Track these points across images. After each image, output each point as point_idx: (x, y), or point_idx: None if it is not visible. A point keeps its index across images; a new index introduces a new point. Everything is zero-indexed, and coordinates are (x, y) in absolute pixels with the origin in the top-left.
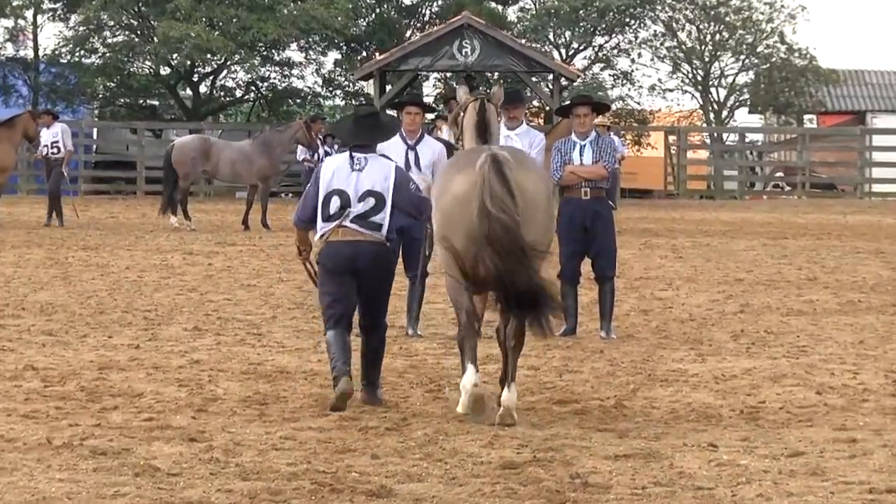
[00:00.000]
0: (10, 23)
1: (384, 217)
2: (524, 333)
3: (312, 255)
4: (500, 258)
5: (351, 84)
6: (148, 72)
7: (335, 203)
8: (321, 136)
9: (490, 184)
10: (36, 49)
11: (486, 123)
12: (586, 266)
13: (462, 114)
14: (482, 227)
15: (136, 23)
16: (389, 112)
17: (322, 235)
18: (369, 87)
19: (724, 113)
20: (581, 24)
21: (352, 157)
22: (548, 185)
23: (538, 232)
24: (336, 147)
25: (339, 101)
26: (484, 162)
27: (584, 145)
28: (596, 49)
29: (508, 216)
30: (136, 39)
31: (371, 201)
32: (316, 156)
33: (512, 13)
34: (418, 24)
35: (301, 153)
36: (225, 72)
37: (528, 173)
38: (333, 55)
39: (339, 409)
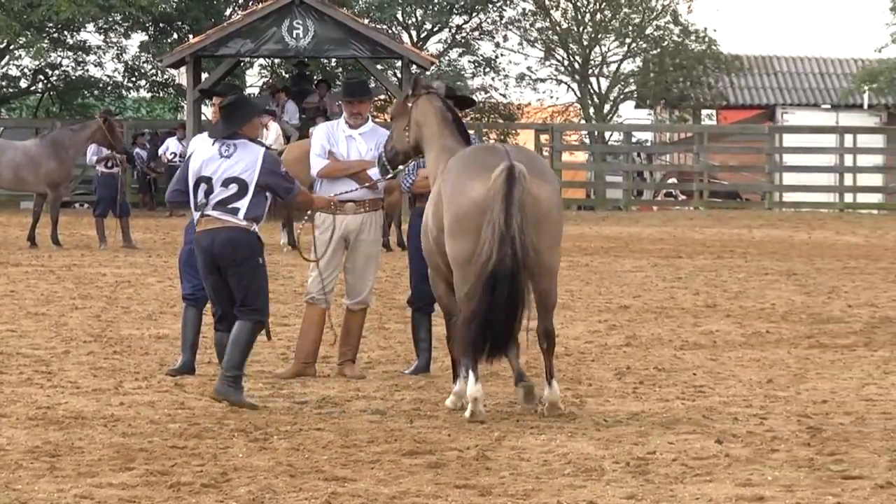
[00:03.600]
0: None
1: (244, 202)
2: (552, 334)
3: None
4: (501, 294)
5: (159, 72)
6: None
7: (202, 191)
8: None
9: (506, 216)
10: None
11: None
12: None
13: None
14: (497, 256)
15: None
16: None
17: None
18: (181, 75)
19: (607, 107)
20: (435, 1)
21: (220, 145)
22: (560, 194)
23: (548, 244)
24: (147, 147)
25: (144, 93)
26: (499, 175)
27: None
28: (453, 31)
29: (515, 260)
30: None
31: (234, 188)
32: (114, 160)
33: None
34: (240, 1)
35: (91, 154)
36: (7, 57)
37: (543, 184)
38: (138, 38)
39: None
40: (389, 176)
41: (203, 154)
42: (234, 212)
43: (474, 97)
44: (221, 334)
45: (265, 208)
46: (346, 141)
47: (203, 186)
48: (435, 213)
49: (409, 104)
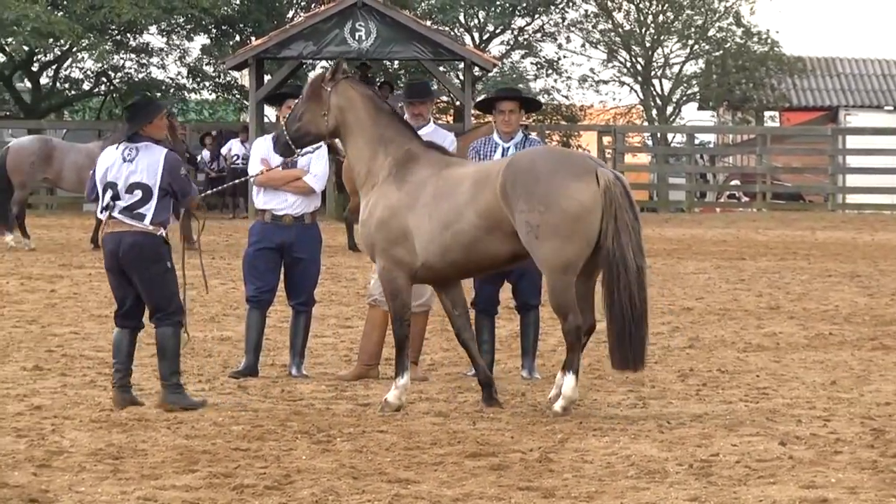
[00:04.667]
0: None
1: (149, 208)
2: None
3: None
4: (633, 300)
5: (222, 74)
6: None
7: (108, 195)
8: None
9: (638, 222)
10: None
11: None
12: (505, 293)
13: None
14: (636, 261)
15: None
16: (268, 107)
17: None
18: (244, 77)
19: (670, 109)
20: (498, 3)
21: (123, 148)
22: None
23: None
24: (210, 148)
25: (207, 95)
26: (614, 181)
27: (508, 148)
28: (515, 32)
29: (642, 270)
30: None
31: (138, 193)
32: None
33: None
34: (302, 3)
35: None
36: (70, 60)
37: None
38: (200, 40)
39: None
40: (296, 156)
41: (107, 160)
42: (141, 217)
43: (538, 99)
44: (121, 331)
45: (170, 211)
46: None
47: (110, 192)
48: (485, 213)
49: (328, 88)
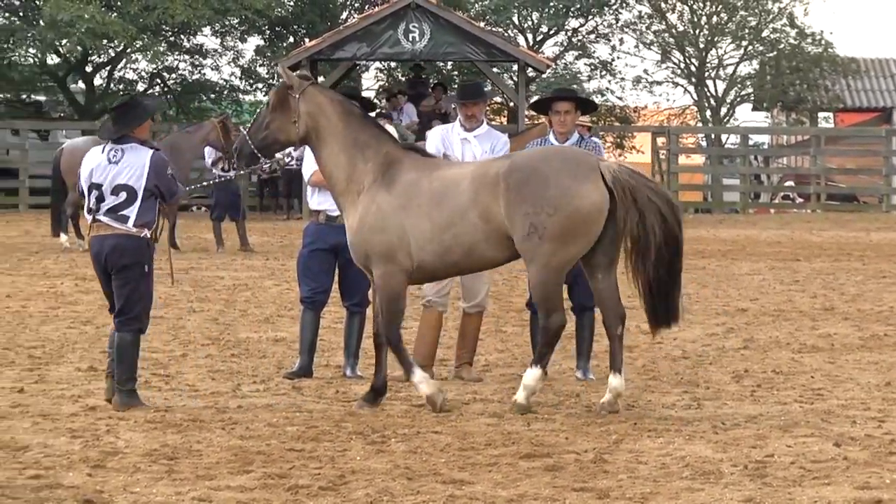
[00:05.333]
0: None
1: (133, 209)
2: (625, 318)
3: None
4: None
5: (275, 76)
6: (32, 61)
7: (94, 197)
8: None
9: (659, 195)
10: None
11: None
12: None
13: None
14: (650, 243)
15: (17, 2)
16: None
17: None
18: None
19: (724, 110)
20: (551, 4)
21: (108, 149)
22: None
23: None
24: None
25: (261, 96)
26: (619, 171)
27: None
28: (569, 34)
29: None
30: (18, 22)
31: (123, 195)
32: (228, 165)
33: None
34: (356, 4)
35: (210, 157)
36: (124, 61)
37: None
38: (254, 41)
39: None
40: (269, 164)
41: (92, 161)
42: (124, 219)
43: (593, 100)
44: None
45: (155, 212)
46: (460, 143)
47: (95, 193)
48: (486, 215)
49: (296, 95)
